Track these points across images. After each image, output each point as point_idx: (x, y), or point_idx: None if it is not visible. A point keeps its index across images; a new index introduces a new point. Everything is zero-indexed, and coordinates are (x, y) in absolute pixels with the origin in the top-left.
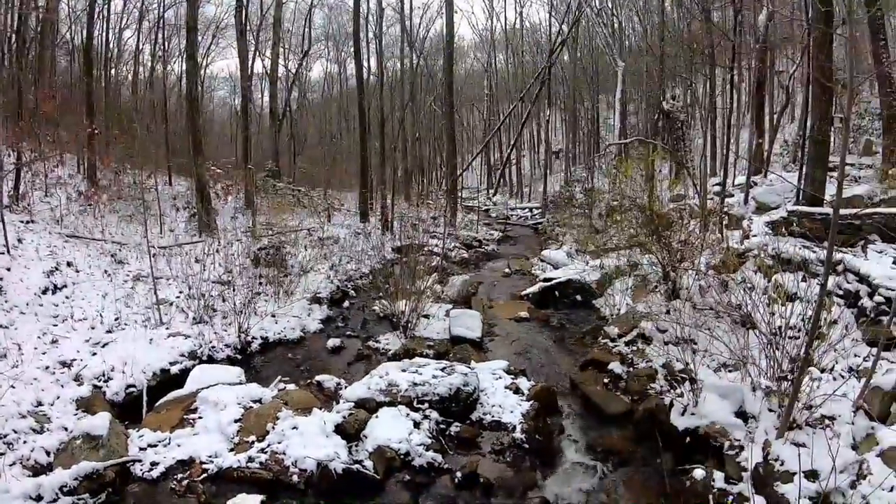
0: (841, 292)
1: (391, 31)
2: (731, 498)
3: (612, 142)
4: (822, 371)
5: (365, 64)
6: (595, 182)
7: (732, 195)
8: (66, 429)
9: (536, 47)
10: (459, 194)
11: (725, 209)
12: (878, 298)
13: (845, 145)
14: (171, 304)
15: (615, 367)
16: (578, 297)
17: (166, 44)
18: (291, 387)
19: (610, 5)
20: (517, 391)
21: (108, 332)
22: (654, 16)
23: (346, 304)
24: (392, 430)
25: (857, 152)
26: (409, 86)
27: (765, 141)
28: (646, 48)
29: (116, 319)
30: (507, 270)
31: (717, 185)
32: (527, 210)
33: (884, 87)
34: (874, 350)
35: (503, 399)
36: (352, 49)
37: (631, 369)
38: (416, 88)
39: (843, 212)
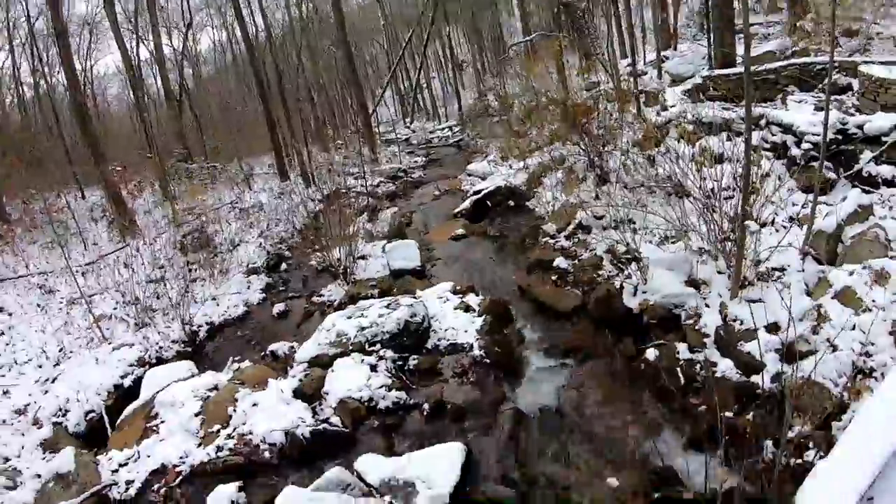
0: (768, 145)
1: None
2: (698, 366)
3: (515, 41)
4: (763, 225)
5: (251, 22)
6: (507, 87)
7: (645, 73)
8: (38, 476)
9: None
10: (376, 129)
11: (640, 87)
12: (805, 146)
13: (745, 2)
14: (110, 317)
15: (560, 262)
16: (511, 203)
17: (45, 55)
18: (245, 364)
19: None
20: (468, 309)
21: (56, 364)
22: None
23: (283, 266)
24: (350, 380)
25: (762, 11)
26: (301, 33)
27: (669, 15)
28: None
29: (61, 350)
30: (436, 193)
31: (628, 66)
32: (446, 130)
33: None
34: (811, 196)
35: (455, 320)
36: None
37: (576, 261)
38: (309, 35)
39: (757, 67)
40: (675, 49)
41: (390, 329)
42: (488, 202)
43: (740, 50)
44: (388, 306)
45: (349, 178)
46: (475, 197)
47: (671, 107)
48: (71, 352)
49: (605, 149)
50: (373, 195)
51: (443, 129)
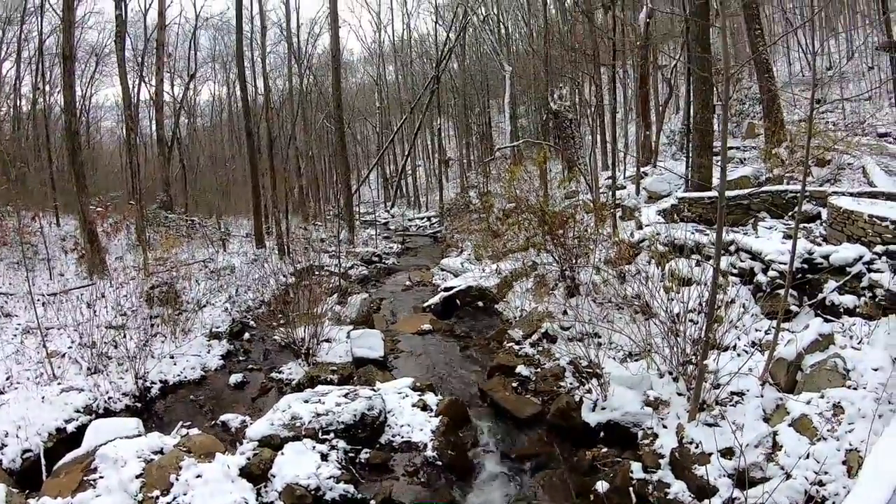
0: (736, 271)
1: (278, 50)
2: (651, 486)
3: (503, 145)
4: (726, 349)
5: (251, 84)
6: (490, 187)
7: (624, 187)
8: None
9: (425, 57)
10: (357, 209)
11: (618, 201)
12: (772, 273)
13: (725, 130)
14: (63, 355)
15: (522, 370)
16: (480, 303)
17: (48, 73)
18: (194, 431)
19: (495, 11)
20: (425, 408)
21: (1, 393)
22: (539, 19)
23: (247, 335)
24: (299, 466)
25: (740, 135)
26: (299, 104)
27: (652, 133)
28: (532, 51)
29: (8, 379)
30: (407, 283)
31: (608, 178)
32: (425, 220)
33: (762, 71)
34: (774, 323)
35: (411, 418)
36: None
37: (538, 370)
38: (306, 106)
39: (730, 193)
40: (655, 166)
41: (346, 420)
42: (458, 300)
43: (716, 173)
44: (346, 395)
45: (324, 255)
46: (446, 294)
47: (646, 226)
48: (18, 383)
49: (578, 261)
50: (345, 277)
51: (422, 218)
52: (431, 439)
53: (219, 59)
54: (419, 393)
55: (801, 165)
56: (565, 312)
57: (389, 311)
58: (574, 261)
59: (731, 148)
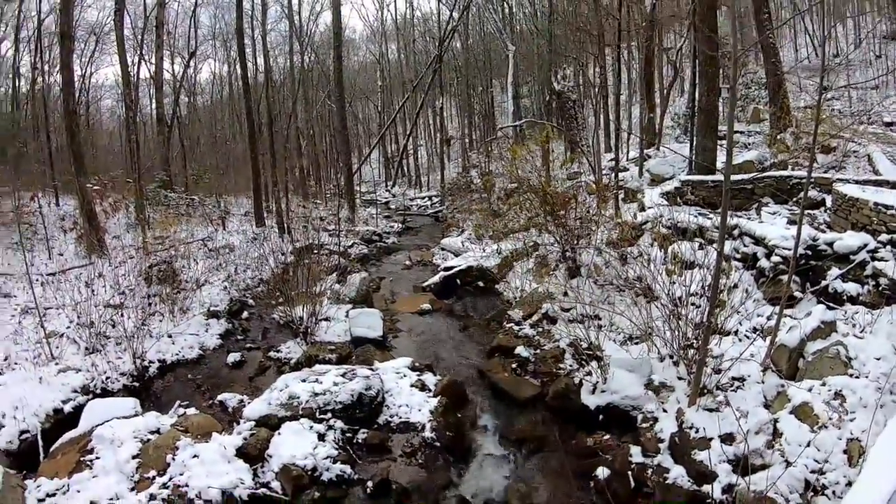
0: (739, 256)
1: (280, 27)
2: (650, 471)
3: (505, 125)
4: (727, 334)
5: (252, 62)
6: (491, 166)
7: (627, 169)
8: None
9: (428, 36)
10: (358, 188)
11: (621, 183)
12: (775, 258)
13: (731, 113)
14: (62, 335)
15: (522, 351)
16: (480, 283)
17: (48, 53)
18: (192, 411)
19: None
20: (423, 388)
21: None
22: None
23: (245, 314)
24: (296, 446)
25: (745, 120)
26: (300, 82)
27: (656, 115)
28: (536, 31)
29: (6, 359)
30: (407, 263)
31: (611, 160)
32: (426, 199)
33: (769, 56)
34: (777, 309)
35: (410, 398)
36: None
37: (538, 351)
38: (307, 84)
39: (735, 177)
40: (659, 149)
41: (343, 399)
42: (458, 280)
43: (720, 156)
44: (344, 375)
45: (324, 234)
46: (446, 273)
47: (649, 208)
48: (15, 364)
49: (579, 242)
50: (345, 256)
51: (423, 197)
52: (430, 420)
53: (219, 36)
54: (418, 373)
55: (806, 151)
56: (566, 294)
57: (389, 290)
58: (575, 242)
59: (736, 132)
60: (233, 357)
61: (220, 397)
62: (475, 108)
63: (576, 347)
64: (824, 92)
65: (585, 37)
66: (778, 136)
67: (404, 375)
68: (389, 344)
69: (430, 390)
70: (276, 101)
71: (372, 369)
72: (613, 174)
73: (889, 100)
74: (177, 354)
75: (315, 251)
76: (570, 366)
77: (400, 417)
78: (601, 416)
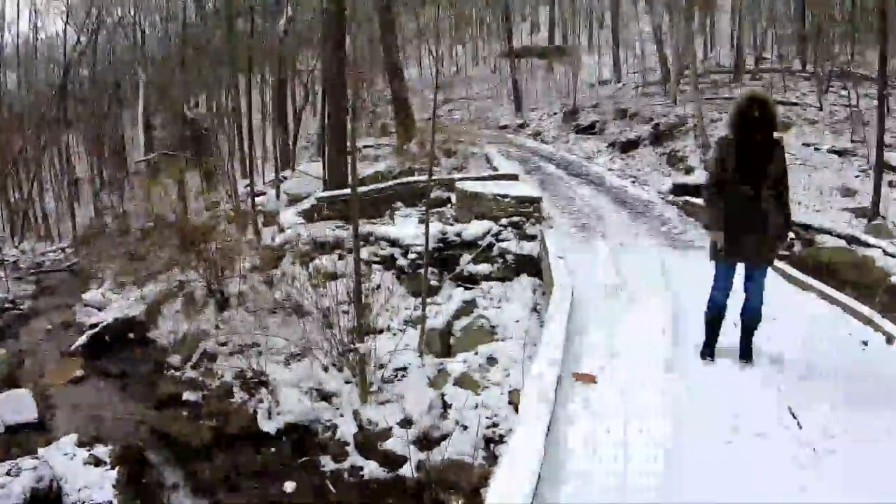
0: (378, 259)
1: None
2: (346, 473)
3: (139, 159)
4: (381, 332)
5: None
6: (125, 206)
7: (265, 193)
8: None
9: (52, 63)
10: None
11: (259, 207)
12: (412, 256)
13: (353, 130)
14: None
15: (189, 395)
16: (131, 335)
17: None
18: None
19: (132, 13)
20: (98, 463)
21: None
22: (177, 22)
23: None
24: None
25: (375, 135)
26: None
27: (289, 136)
28: (170, 56)
29: None
30: (49, 327)
31: (247, 186)
32: (58, 252)
33: (393, 76)
34: (419, 300)
35: (87, 478)
36: None
37: (206, 392)
38: None
39: (365, 188)
40: (294, 170)
41: (17, 501)
42: (107, 337)
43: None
44: (8, 473)
45: None
46: (92, 332)
47: (287, 228)
48: None
49: (224, 273)
50: None
51: (55, 250)
52: (115, 495)
53: None
54: (87, 448)
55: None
56: (217, 327)
57: (35, 363)
58: (220, 273)
59: (366, 147)
60: None
61: None
62: (105, 142)
63: (242, 379)
64: (444, 104)
65: (219, 62)
66: (404, 147)
67: (74, 455)
68: (49, 424)
69: (106, 463)
70: None
71: (37, 458)
72: (250, 199)
73: (502, 107)
74: None
75: None
76: (241, 398)
77: (84, 502)
78: (284, 438)
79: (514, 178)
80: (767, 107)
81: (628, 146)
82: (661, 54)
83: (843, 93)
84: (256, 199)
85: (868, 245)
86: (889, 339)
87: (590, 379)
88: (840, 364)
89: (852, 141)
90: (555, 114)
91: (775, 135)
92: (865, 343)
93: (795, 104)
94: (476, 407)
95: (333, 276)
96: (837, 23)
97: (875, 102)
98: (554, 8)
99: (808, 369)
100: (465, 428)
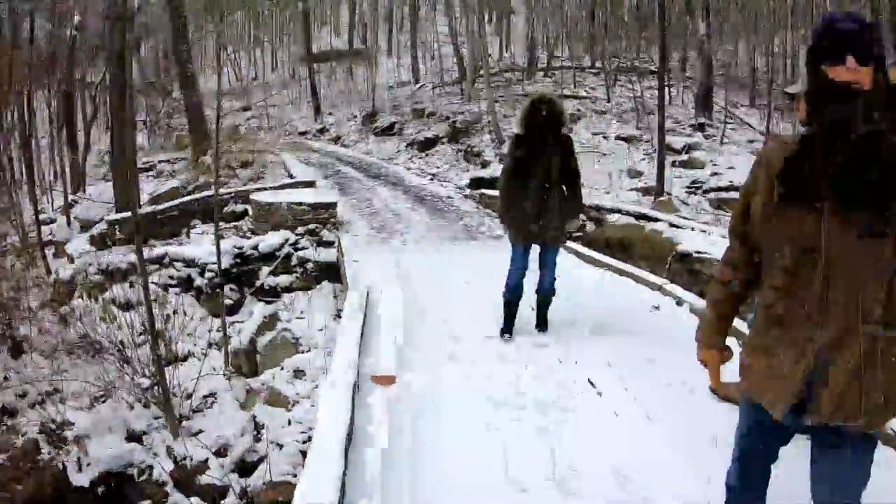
0: (175, 281)
1: None
2: None
3: None
4: (185, 359)
5: None
6: None
7: (55, 220)
8: None
9: None
10: None
11: (48, 237)
12: (209, 274)
13: (133, 146)
14: None
15: None
16: None
17: None
18: None
19: None
20: None
21: None
22: None
23: None
24: None
25: (171, 148)
26: None
27: (78, 156)
28: None
29: None
30: None
31: (33, 215)
32: None
33: (186, 86)
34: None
35: None
36: None
37: (7, 455)
38: None
39: (155, 207)
40: (85, 191)
41: None
42: None
43: (146, 187)
44: None
45: None
46: None
47: (77, 258)
48: None
49: (13, 315)
50: None
51: None
52: None
53: None
54: None
55: (228, 169)
56: (6, 378)
57: None
58: (8, 317)
59: (161, 162)
60: None
61: None
62: None
63: (47, 432)
64: (245, 111)
65: None
66: (199, 160)
67: None
68: None
69: None
70: None
71: None
72: (37, 229)
73: (302, 113)
74: None
75: None
76: (49, 453)
77: None
78: (101, 488)
79: (312, 184)
80: (554, 106)
81: (427, 145)
82: (457, 55)
83: (630, 86)
84: (47, 227)
85: (656, 220)
86: (679, 302)
87: (389, 381)
88: (633, 328)
89: (637, 128)
90: (354, 117)
91: (563, 130)
92: (657, 307)
93: (585, 97)
94: (289, 423)
95: (128, 307)
96: (625, 23)
97: (657, 93)
98: (354, 11)
99: (602, 333)
100: (281, 447)
